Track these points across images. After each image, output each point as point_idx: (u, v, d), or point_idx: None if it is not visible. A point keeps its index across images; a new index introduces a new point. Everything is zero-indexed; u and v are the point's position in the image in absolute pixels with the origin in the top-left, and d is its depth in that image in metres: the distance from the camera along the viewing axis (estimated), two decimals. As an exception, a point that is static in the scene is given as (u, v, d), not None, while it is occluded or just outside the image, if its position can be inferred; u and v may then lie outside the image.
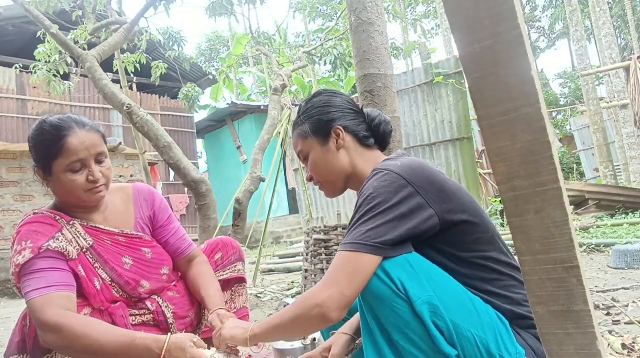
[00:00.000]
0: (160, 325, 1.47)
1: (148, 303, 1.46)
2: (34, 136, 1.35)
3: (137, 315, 1.43)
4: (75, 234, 1.37)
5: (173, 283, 1.57)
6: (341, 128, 1.29)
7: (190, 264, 1.57)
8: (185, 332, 1.50)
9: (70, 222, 1.38)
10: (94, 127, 1.39)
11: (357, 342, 1.32)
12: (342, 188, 1.35)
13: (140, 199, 1.56)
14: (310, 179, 1.37)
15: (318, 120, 1.30)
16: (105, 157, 1.40)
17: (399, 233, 1.04)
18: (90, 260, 1.38)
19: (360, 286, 1.03)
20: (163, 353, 1.20)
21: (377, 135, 1.34)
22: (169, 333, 1.27)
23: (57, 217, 1.37)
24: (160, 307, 1.47)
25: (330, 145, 1.29)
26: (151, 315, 1.45)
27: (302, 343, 1.55)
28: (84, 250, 1.37)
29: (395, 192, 1.07)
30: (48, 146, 1.32)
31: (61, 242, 1.31)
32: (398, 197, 1.06)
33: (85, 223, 1.41)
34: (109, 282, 1.39)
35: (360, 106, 1.38)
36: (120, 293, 1.42)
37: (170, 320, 1.47)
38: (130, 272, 1.43)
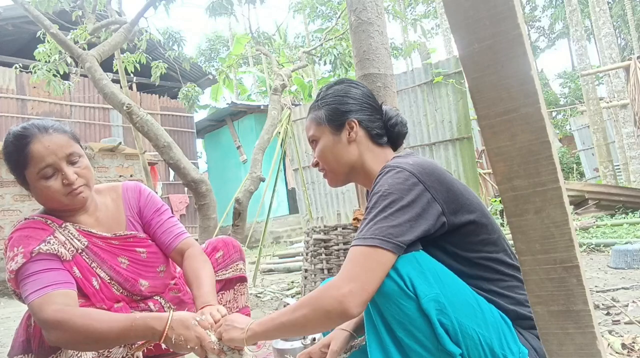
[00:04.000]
0: None
1: (151, 304, 1.46)
2: (2, 150, 1.33)
3: None
4: (69, 236, 1.36)
5: (174, 281, 1.57)
6: (356, 121, 1.28)
7: (182, 258, 1.52)
8: None
9: (63, 225, 1.37)
10: (58, 129, 1.35)
11: (358, 341, 1.31)
12: (345, 180, 1.34)
13: (128, 197, 1.55)
14: (315, 165, 1.36)
15: (335, 109, 1.29)
16: (80, 156, 1.35)
17: (416, 234, 1.04)
18: (87, 260, 1.37)
19: (379, 282, 1.02)
20: (166, 330, 1.18)
21: (391, 135, 1.33)
22: (171, 310, 1.24)
23: (49, 221, 1.36)
24: (163, 308, 1.47)
25: (342, 136, 1.28)
26: None
27: (302, 344, 1.55)
28: (80, 251, 1.36)
29: (409, 190, 1.07)
30: (16, 157, 1.30)
31: (53, 244, 1.30)
32: (412, 195, 1.06)
33: (77, 227, 1.40)
34: (108, 281, 1.39)
35: (380, 102, 1.37)
36: (121, 291, 1.41)
37: None
38: (127, 271, 1.43)
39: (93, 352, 1.28)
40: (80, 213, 1.42)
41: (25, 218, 1.37)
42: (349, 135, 1.28)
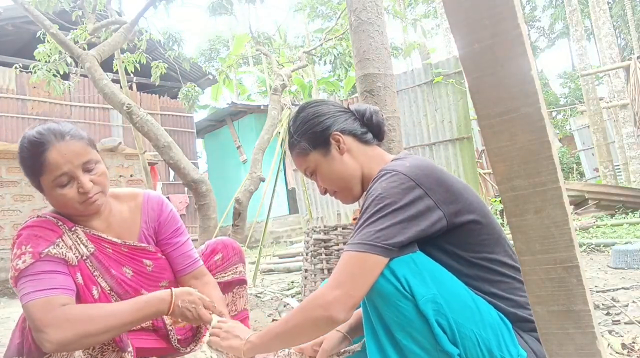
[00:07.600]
0: (159, 330, 1.46)
1: None
2: (19, 153, 1.31)
3: None
4: (76, 241, 1.34)
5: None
6: (339, 132, 1.28)
7: (196, 283, 1.51)
8: (185, 337, 1.50)
9: (73, 228, 1.35)
10: (75, 135, 1.30)
11: (352, 347, 1.31)
12: (360, 191, 1.32)
13: (148, 209, 1.51)
14: (325, 192, 1.35)
15: (313, 133, 1.29)
16: (96, 163, 1.33)
17: (407, 235, 1.03)
18: (90, 268, 1.35)
19: (367, 287, 1.03)
20: (172, 298, 1.28)
21: (372, 128, 1.33)
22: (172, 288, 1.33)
23: (60, 223, 1.34)
24: None
25: (334, 153, 1.28)
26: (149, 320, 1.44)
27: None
28: (84, 257, 1.34)
29: (404, 194, 1.06)
30: (31, 164, 1.28)
31: (62, 248, 1.28)
32: (407, 198, 1.06)
33: (87, 231, 1.37)
34: (108, 291, 1.37)
35: (346, 105, 1.38)
36: None
37: (169, 326, 1.46)
38: (131, 281, 1.41)
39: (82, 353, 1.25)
40: (93, 218, 1.39)
41: (38, 216, 1.34)
42: (339, 148, 1.28)
